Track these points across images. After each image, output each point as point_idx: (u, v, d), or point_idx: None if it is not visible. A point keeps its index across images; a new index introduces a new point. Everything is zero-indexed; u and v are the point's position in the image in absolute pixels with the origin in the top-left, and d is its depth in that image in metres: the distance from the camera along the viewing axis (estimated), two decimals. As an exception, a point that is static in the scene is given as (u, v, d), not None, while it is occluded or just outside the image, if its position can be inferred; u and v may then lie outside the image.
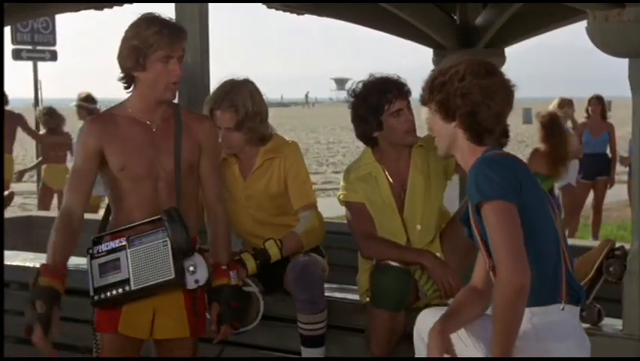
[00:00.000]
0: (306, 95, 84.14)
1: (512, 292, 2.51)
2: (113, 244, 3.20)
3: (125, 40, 3.16)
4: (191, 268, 3.19)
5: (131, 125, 3.23)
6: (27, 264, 4.59)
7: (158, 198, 3.24)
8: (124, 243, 3.19)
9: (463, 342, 2.77)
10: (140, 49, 3.12)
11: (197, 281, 3.21)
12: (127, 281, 3.16)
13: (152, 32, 3.12)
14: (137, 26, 3.15)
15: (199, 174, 3.36)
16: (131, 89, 3.25)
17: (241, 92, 3.88)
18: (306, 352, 3.85)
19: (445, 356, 2.65)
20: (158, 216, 3.20)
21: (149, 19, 3.17)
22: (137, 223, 3.22)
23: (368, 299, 3.83)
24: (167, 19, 3.22)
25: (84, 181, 3.24)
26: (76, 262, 4.48)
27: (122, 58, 3.18)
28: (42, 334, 3.02)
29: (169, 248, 3.15)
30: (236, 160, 4.00)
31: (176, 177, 3.25)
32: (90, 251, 3.22)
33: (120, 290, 3.16)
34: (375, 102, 3.77)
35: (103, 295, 3.17)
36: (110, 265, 3.18)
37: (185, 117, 3.32)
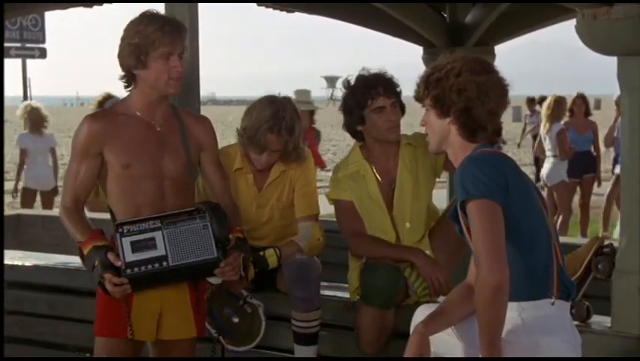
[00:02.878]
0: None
1: (490, 290, 2.53)
2: (145, 225, 3.12)
3: (126, 39, 3.13)
4: None
5: (135, 124, 3.21)
6: (15, 262, 4.55)
7: (165, 196, 3.22)
8: (159, 224, 3.12)
9: (455, 337, 2.79)
10: (142, 46, 3.09)
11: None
12: (165, 258, 3.09)
13: (153, 29, 3.09)
14: (138, 24, 3.12)
15: (201, 173, 3.37)
16: (130, 87, 3.22)
17: (294, 114, 3.86)
18: (299, 350, 3.85)
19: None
20: (190, 209, 3.17)
21: (149, 17, 3.13)
22: (166, 214, 3.16)
23: (359, 297, 3.84)
24: (167, 16, 3.20)
25: (86, 182, 3.22)
26: (68, 260, 4.49)
27: (122, 56, 3.15)
28: (115, 278, 3.04)
29: (210, 231, 3.12)
30: (251, 170, 3.99)
31: (190, 176, 3.27)
32: (120, 230, 3.12)
33: (157, 265, 3.08)
34: (359, 96, 3.82)
35: (137, 269, 3.07)
36: (144, 243, 3.09)
37: (185, 117, 3.32)
